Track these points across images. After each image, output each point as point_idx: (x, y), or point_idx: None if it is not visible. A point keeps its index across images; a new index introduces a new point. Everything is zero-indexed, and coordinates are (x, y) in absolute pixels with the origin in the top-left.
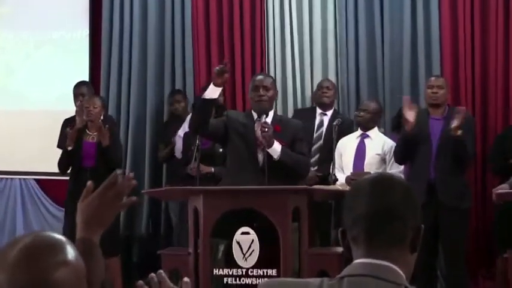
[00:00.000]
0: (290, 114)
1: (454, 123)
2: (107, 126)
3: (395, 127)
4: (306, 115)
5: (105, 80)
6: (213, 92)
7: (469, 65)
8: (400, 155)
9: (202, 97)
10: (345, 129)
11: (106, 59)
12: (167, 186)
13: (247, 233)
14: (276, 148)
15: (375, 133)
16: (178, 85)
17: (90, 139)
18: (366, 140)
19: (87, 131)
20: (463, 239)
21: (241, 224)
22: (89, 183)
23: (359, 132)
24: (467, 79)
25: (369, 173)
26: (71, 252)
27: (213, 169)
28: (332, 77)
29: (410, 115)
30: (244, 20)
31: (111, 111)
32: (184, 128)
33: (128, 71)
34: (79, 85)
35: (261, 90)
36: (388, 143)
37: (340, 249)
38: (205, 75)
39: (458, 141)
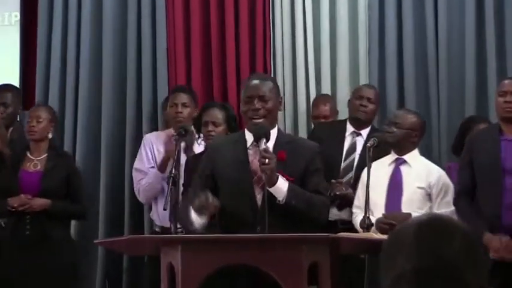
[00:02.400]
0: (302, 133)
1: None
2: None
3: (456, 149)
4: (331, 131)
5: (42, 83)
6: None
7: None
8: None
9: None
10: (381, 153)
11: (44, 53)
12: (130, 234)
13: None
14: (281, 187)
15: (414, 157)
16: (147, 91)
17: (31, 167)
18: (403, 168)
19: (28, 155)
20: None
21: None
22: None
23: (392, 156)
24: None
25: (409, 214)
26: None
27: None
28: (364, 82)
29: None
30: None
31: None
32: (150, 159)
33: (75, 71)
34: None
35: (256, 101)
36: (435, 172)
37: None
38: (184, 79)
39: None
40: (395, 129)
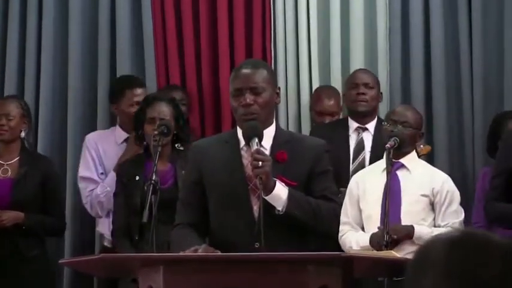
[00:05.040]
0: (306, 130)
1: None
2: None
3: (490, 149)
4: (332, 132)
5: None
6: None
7: None
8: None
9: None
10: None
11: None
12: (102, 252)
13: None
14: (279, 194)
15: (413, 161)
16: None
17: (0, 174)
18: (401, 173)
19: None
20: None
21: None
22: None
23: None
24: None
25: (412, 227)
26: None
27: None
28: (383, 71)
29: None
30: None
31: None
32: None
33: (35, 54)
34: None
35: (246, 95)
36: (439, 177)
37: None
38: (178, 63)
39: None
40: (401, 128)
